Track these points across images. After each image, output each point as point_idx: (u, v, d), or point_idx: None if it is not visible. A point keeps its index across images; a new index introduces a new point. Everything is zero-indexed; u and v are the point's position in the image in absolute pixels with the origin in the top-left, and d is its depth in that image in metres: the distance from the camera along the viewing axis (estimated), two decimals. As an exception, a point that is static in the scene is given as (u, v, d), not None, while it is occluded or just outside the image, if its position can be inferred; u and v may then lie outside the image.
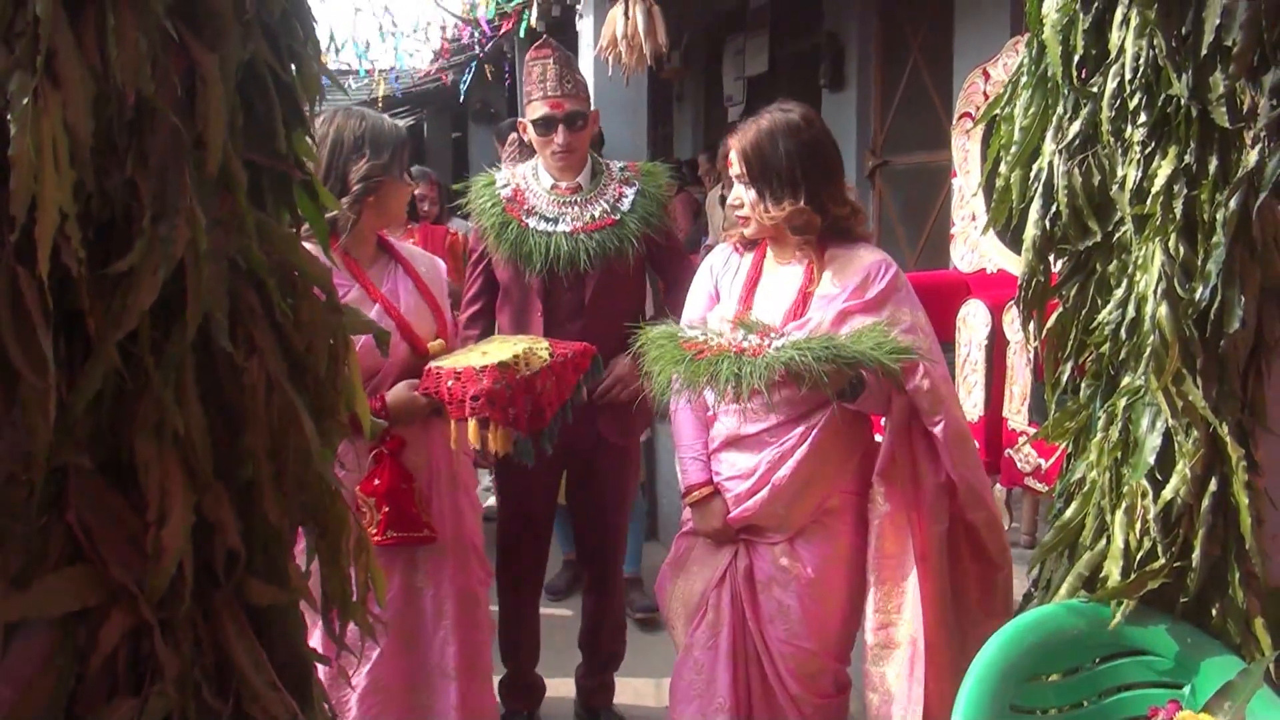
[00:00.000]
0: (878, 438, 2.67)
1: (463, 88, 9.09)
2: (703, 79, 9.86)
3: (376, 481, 2.53)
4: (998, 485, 4.11)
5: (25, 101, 1.15)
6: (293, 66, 1.45)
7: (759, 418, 2.59)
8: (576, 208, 3.26)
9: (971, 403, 4.03)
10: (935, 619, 2.52)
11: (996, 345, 3.92)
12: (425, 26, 9.29)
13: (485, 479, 4.44)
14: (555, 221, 3.23)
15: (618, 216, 3.26)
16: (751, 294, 2.67)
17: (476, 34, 7.81)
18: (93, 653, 1.32)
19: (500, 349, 2.66)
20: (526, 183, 3.33)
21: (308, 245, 1.51)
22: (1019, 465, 3.87)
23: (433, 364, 2.61)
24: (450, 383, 2.52)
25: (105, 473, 1.33)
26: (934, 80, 6.48)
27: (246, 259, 1.37)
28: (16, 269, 1.18)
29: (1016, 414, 3.87)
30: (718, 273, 2.78)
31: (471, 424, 2.50)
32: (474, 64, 8.93)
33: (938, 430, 2.50)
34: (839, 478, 2.62)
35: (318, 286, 1.48)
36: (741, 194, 2.64)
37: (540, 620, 3.57)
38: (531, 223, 3.23)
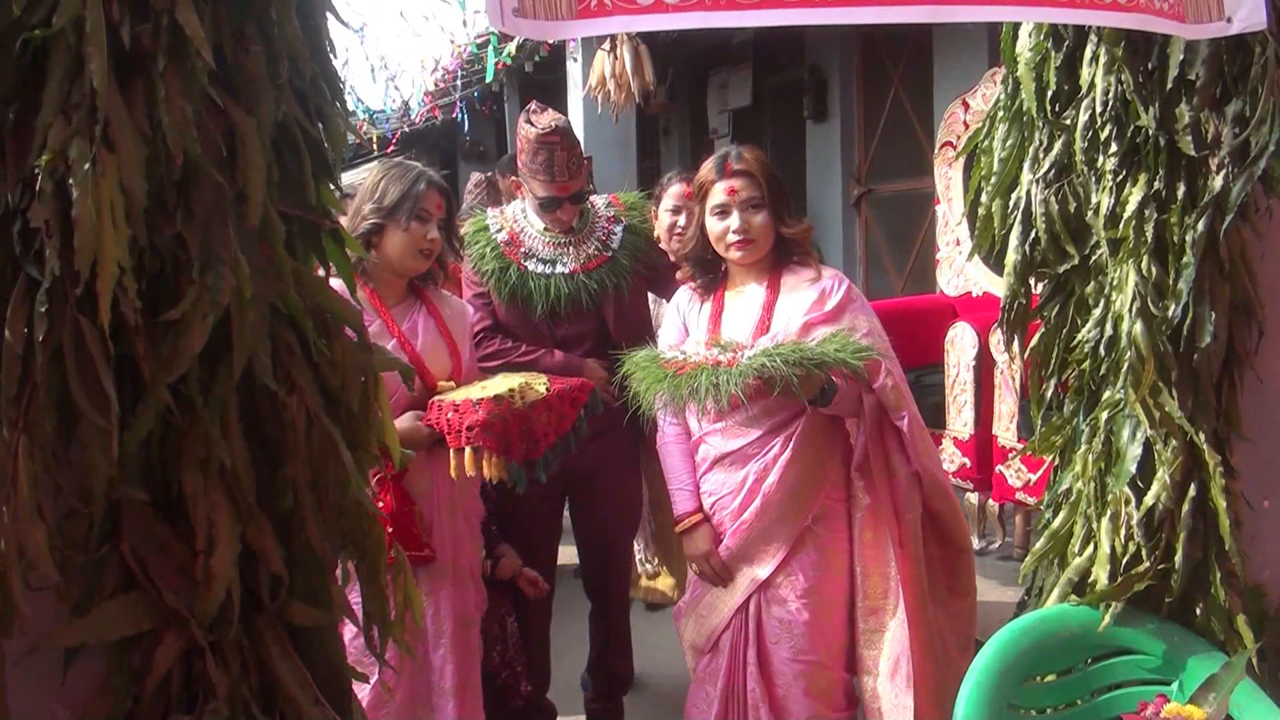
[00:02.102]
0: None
1: (464, 129, 9.23)
2: (688, 112, 10.02)
3: (380, 504, 2.63)
4: (990, 500, 4.23)
5: (86, 167, 1.26)
6: (320, 125, 1.57)
7: (741, 433, 2.74)
8: (572, 248, 3.36)
9: (962, 421, 4.14)
10: (916, 598, 2.70)
11: (984, 365, 4.04)
12: (420, 69, 9.43)
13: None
14: (553, 263, 3.33)
15: (610, 254, 3.37)
16: (718, 323, 2.83)
17: (461, 77, 7.98)
18: (148, 674, 1.41)
19: (499, 383, 2.79)
20: (520, 225, 3.41)
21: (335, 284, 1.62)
22: (1010, 480, 3.98)
23: (436, 397, 2.74)
24: (450, 414, 2.66)
25: (156, 505, 1.43)
26: (915, 110, 6.64)
27: (285, 303, 1.48)
28: (80, 319, 1.28)
29: (1006, 431, 3.98)
30: (684, 310, 2.95)
31: (468, 452, 2.63)
32: (464, 103, 9.08)
33: (904, 425, 2.68)
34: (823, 481, 2.77)
35: (349, 327, 1.59)
36: (738, 220, 2.77)
37: (550, 646, 3.64)
38: (530, 265, 3.33)
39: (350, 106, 10.57)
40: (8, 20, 1.30)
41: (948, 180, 4.66)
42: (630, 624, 3.84)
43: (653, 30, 4.71)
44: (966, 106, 4.54)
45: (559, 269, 3.33)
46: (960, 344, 4.16)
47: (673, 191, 3.83)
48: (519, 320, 3.34)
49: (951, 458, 4.23)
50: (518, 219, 3.43)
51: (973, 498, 4.55)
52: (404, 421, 2.72)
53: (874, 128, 7.22)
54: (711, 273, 2.90)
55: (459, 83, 9.07)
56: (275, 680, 1.50)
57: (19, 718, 1.36)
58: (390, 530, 2.64)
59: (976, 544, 4.68)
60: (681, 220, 3.71)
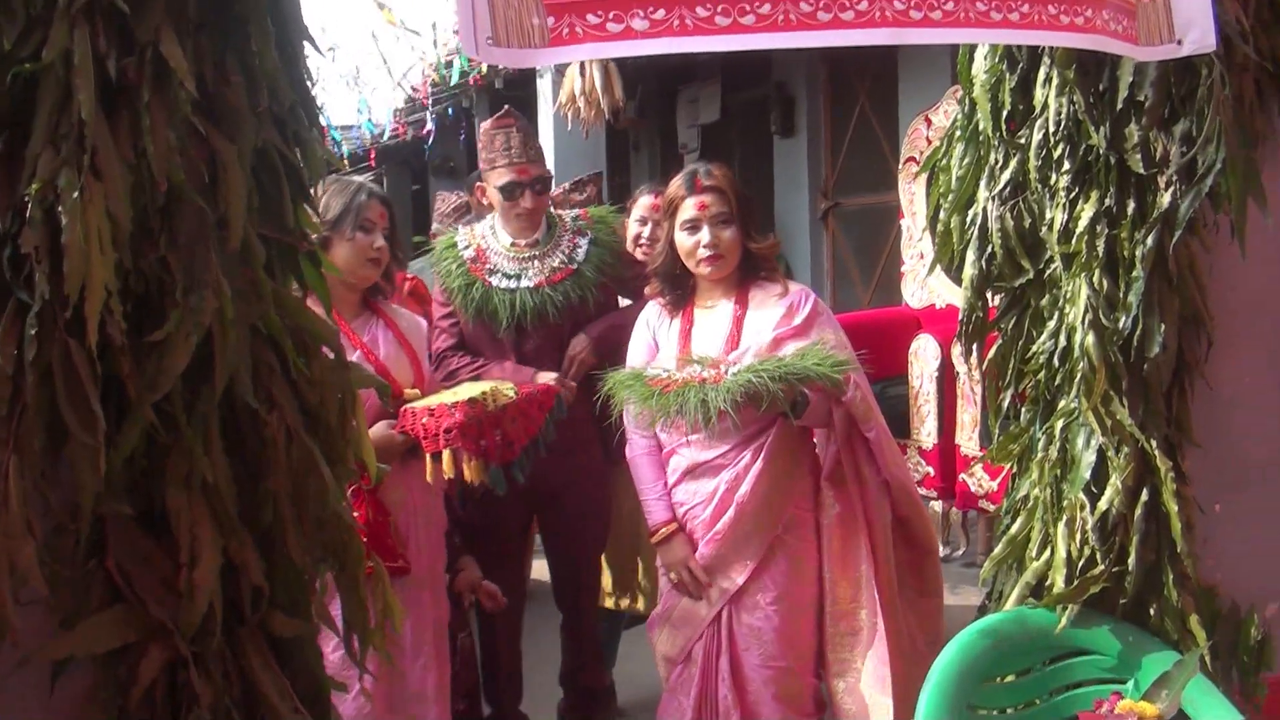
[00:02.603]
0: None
1: (427, 145, 9.29)
2: (658, 128, 10.09)
3: (355, 514, 2.68)
4: (954, 508, 4.31)
5: (74, 195, 1.31)
6: (298, 150, 1.62)
7: (713, 444, 2.80)
8: (537, 261, 3.39)
9: (926, 431, 4.23)
10: (889, 600, 2.77)
11: (947, 376, 4.13)
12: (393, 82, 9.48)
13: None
14: (518, 278, 3.36)
15: (575, 266, 3.40)
16: (688, 339, 2.89)
17: (431, 94, 8.04)
18: (133, 685, 1.46)
19: (468, 389, 2.85)
20: (487, 242, 3.44)
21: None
22: (972, 488, 4.07)
23: (407, 405, 2.79)
24: (425, 419, 2.71)
25: (140, 521, 1.48)
26: (881, 125, 6.74)
27: (265, 324, 1.53)
28: (69, 341, 1.33)
29: (968, 440, 4.07)
30: (654, 326, 3.00)
31: (447, 454, 2.68)
32: (436, 120, 9.14)
33: (872, 435, 2.76)
34: (793, 491, 2.84)
35: (326, 346, 1.64)
36: (708, 235, 2.84)
37: (522, 658, 3.68)
38: (495, 281, 3.36)
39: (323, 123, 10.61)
40: (-2, 54, 1.35)
41: (911, 195, 4.76)
42: (602, 637, 3.89)
43: (625, 55, 4.81)
44: (929, 123, 4.64)
45: (524, 283, 3.35)
46: (924, 355, 4.25)
47: (642, 203, 3.91)
48: (484, 337, 3.37)
49: (916, 467, 4.31)
50: (485, 236, 3.47)
51: (937, 506, 4.63)
52: (377, 430, 2.76)
53: (840, 143, 7.32)
54: (680, 288, 2.96)
55: (430, 100, 9.12)
56: (257, 690, 1.54)
57: (8, 729, 1.40)
58: (366, 542, 2.69)
59: (941, 551, 4.76)
60: (647, 232, 3.79)
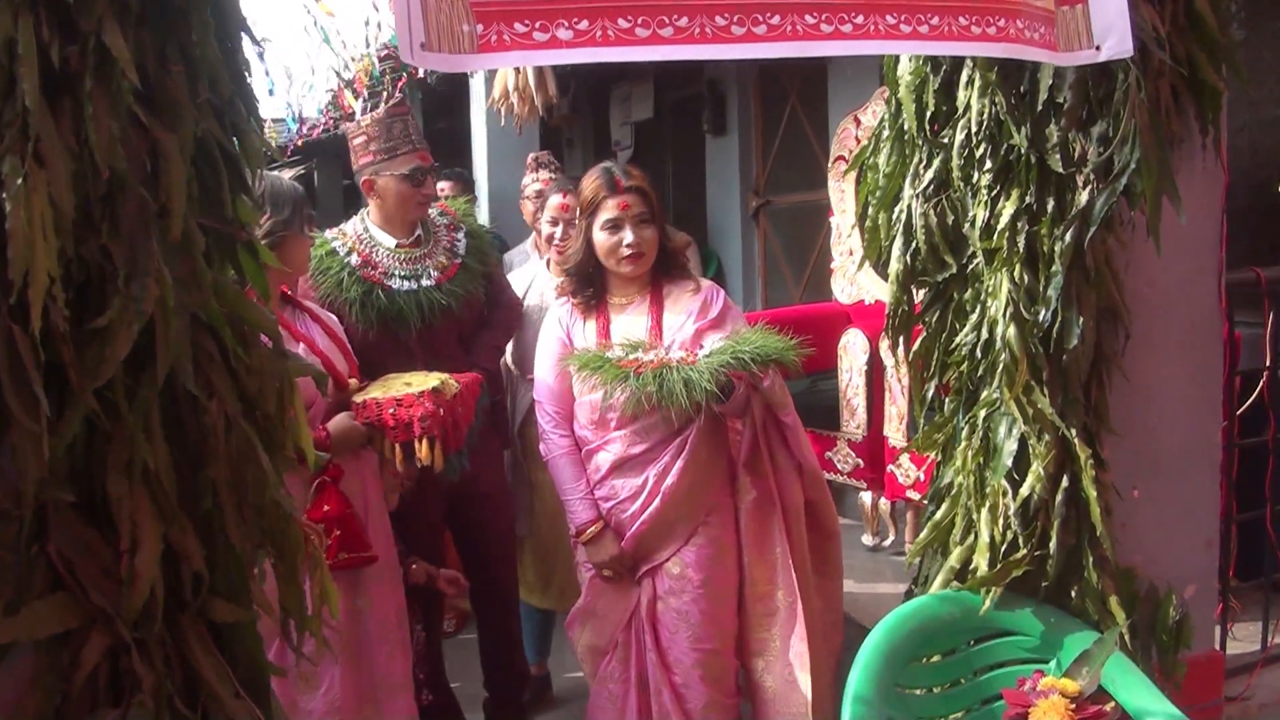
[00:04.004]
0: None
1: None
2: (591, 125, 10.12)
3: (326, 508, 2.69)
4: (883, 499, 4.39)
5: (18, 182, 1.32)
6: (236, 141, 1.63)
7: (643, 437, 2.86)
8: (428, 259, 3.38)
9: (855, 424, 4.31)
10: (803, 582, 2.87)
11: (875, 370, 4.22)
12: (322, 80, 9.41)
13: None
14: (417, 278, 3.34)
15: (459, 260, 3.42)
16: (607, 335, 2.95)
17: (369, 87, 7.99)
18: (76, 671, 1.47)
19: (419, 379, 2.88)
20: (367, 244, 3.36)
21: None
22: (900, 479, 4.16)
23: (360, 397, 2.80)
24: (392, 409, 2.74)
25: (81, 508, 1.49)
26: (811, 124, 6.82)
27: (206, 312, 1.54)
28: (12, 327, 1.34)
29: (896, 432, 4.16)
30: (566, 323, 3.05)
31: (424, 443, 2.73)
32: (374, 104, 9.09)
33: (789, 420, 2.88)
34: (714, 477, 2.93)
35: (264, 334, 1.66)
36: (631, 235, 2.91)
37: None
38: (395, 284, 3.31)
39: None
40: (-60, 42, 1.35)
41: (841, 193, 4.84)
42: (536, 629, 3.91)
43: (551, 64, 4.88)
44: (858, 122, 4.73)
45: (424, 282, 3.34)
46: (852, 350, 4.33)
47: (552, 203, 3.92)
48: (386, 343, 3.28)
49: (845, 459, 4.40)
50: (362, 237, 3.38)
51: (866, 497, 4.72)
52: (339, 422, 2.77)
53: (771, 141, 7.39)
54: (592, 286, 3.01)
55: (365, 93, 9.07)
56: (198, 675, 1.56)
57: (-50, 715, 1.40)
58: (337, 534, 2.71)
59: (870, 540, 4.87)
60: (559, 231, 3.82)
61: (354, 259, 3.32)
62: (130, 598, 1.47)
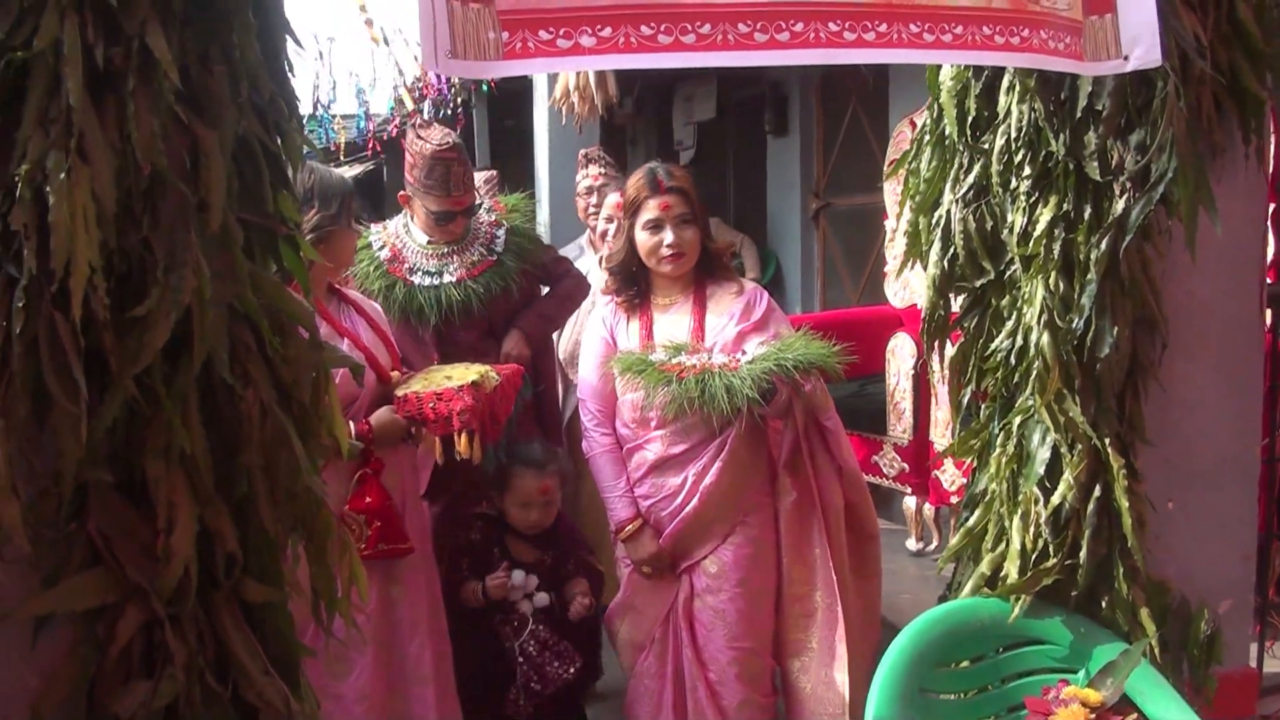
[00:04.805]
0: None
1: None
2: (654, 124, 10.14)
3: (368, 500, 2.76)
4: (927, 504, 4.38)
5: (61, 176, 1.39)
6: (278, 138, 1.69)
7: (683, 438, 2.89)
8: (456, 257, 3.43)
9: (901, 428, 4.31)
10: (841, 583, 2.89)
11: (922, 374, 4.21)
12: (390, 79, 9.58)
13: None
14: (439, 274, 3.40)
15: (495, 257, 3.46)
16: (650, 335, 2.98)
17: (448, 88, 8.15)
18: (111, 643, 1.54)
19: (463, 372, 2.92)
20: (402, 240, 3.46)
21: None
22: (944, 485, 4.15)
23: (402, 391, 2.86)
24: (434, 403, 2.79)
25: (120, 488, 1.56)
26: (872, 126, 6.80)
27: (242, 303, 1.60)
28: (54, 314, 1.41)
29: (941, 437, 4.15)
30: (610, 323, 3.09)
31: (463, 436, 2.77)
32: (435, 111, 9.22)
33: (830, 424, 2.89)
34: (753, 478, 2.94)
35: (301, 326, 1.72)
36: (671, 235, 2.94)
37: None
38: (416, 279, 3.39)
39: (322, 112, 10.73)
40: (-10, 42, 1.43)
41: (895, 196, 4.83)
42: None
43: (572, 70, 4.96)
44: (914, 126, 4.70)
45: (445, 278, 3.39)
46: (900, 354, 4.33)
47: (609, 202, 3.97)
48: (408, 337, 3.37)
49: (891, 463, 4.40)
50: (400, 235, 3.47)
51: (911, 502, 4.71)
52: (381, 415, 2.84)
53: (832, 143, 7.38)
54: (636, 285, 3.05)
55: (432, 94, 9.21)
56: (229, 651, 1.62)
57: (-9, 681, 1.48)
58: (376, 526, 2.78)
59: (914, 545, 4.85)
60: (613, 229, 3.83)
61: (384, 253, 3.42)
62: (165, 575, 1.54)
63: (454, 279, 3.39)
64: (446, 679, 2.99)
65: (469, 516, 3.27)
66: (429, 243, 3.44)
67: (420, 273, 3.39)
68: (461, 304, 3.37)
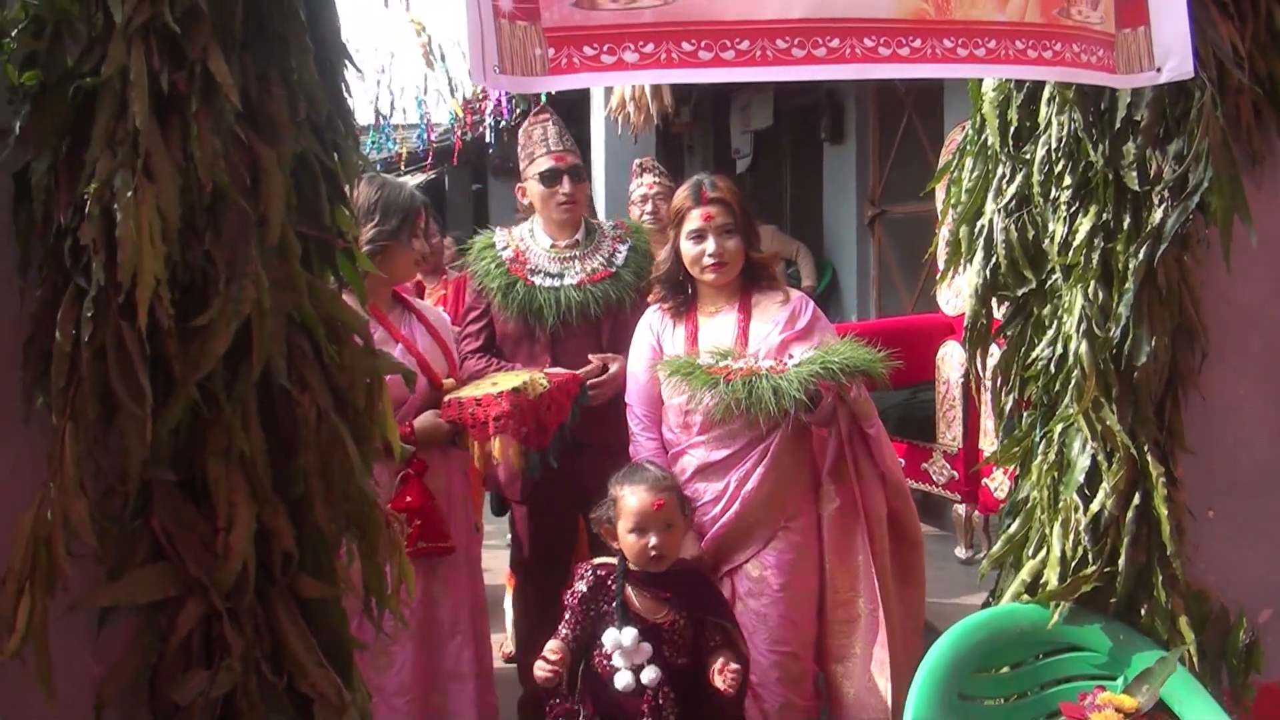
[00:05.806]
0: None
1: (490, 137, 9.53)
2: (711, 133, 10.20)
3: (409, 499, 2.85)
4: (976, 512, 4.38)
5: (129, 194, 1.48)
6: (335, 155, 1.78)
7: (726, 444, 2.93)
8: (577, 262, 3.50)
9: (951, 436, 4.31)
10: (884, 589, 2.92)
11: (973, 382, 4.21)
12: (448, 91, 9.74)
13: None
14: (560, 276, 3.47)
15: (614, 269, 3.52)
16: (695, 342, 3.02)
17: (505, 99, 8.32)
18: (172, 635, 1.63)
19: (507, 379, 3.01)
20: (526, 243, 3.55)
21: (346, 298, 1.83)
22: (994, 492, 4.15)
23: (449, 396, 2.94)
24: (473, 409, 2.88)
25: (182, 487, 1.65)
26: (927, 134, 6.81)
27: (300, 313, 1.69)
28: (121, 323, 1.50)
29: (990, 445, 4.15)
30: (657, 329, 3.13)
31: (497, 441, 2.85)
32: (495, 122, 9.36)
33: (873, 431, 2.93)
34: (795, 484, 2.97)
35: (356, 335, 1.80)
36: (714, 244, 2.99)
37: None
38: (537, 280, 3.46)
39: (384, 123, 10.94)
40: (62, 69, 1.54)
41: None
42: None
43: (615, 84, 5.13)
44: (966, 134, 4.71)
45: (566, 280, 3.46)
46: (950, 361, 4.34)
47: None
48: (523, 336, 3.44)
49: (941, 470, 4.40)
50: (524, 238, 3.57)
51: (960, 509, 4.71)
52: (425, 419, 2.94)
53: (888, 151, 7.39)
54: (682, 294, 3.10)
55: (492, 104, 9.36)
56: (284, 644, 1.70)
57: (57, 668, 1.56)
58: (417, 524, 2.87)
59: (963, 553, 4.86)
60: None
61: (507, 253, 3.52)
62: (224, 570, 1.63)
63: (574, 282, 3.46)
64: (486, 677, 3.07)
65: (581, 567, 2.84)
66: (551, 246, 3.53)
67: (541, 274, 3.47)
68: (579, 305, 3.42)
